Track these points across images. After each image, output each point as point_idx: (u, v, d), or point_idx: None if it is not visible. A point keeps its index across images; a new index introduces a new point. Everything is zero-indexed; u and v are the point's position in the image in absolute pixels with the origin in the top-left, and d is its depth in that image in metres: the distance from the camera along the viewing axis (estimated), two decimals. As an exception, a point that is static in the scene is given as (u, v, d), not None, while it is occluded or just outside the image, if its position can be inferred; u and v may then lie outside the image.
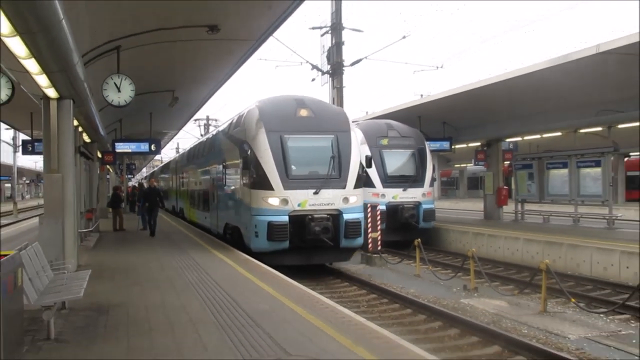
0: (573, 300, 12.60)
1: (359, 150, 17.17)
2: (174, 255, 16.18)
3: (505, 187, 29.28)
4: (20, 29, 6.94)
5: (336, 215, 16.04)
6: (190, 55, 15.77)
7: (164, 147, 48.72)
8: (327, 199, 15.96)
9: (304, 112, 16.91)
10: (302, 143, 16.58)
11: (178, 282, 11.83)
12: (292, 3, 11.40)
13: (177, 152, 52.39)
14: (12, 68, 9.43)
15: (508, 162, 30.86)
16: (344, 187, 16.27)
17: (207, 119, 52.51)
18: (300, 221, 15.68)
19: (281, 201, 15.62)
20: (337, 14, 20.94)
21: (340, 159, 16.42)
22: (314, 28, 22.52)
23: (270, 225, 15.40)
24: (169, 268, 13.84)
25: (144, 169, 76.82)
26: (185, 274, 12.78)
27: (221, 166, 20.42)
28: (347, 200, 16.22)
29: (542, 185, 25.83)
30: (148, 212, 22.15)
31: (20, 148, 33.69)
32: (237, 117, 19.54)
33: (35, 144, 24.38)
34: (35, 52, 8.08)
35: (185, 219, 31.85)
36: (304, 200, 15.75)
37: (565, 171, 24.48)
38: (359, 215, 16.61)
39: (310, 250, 16.10)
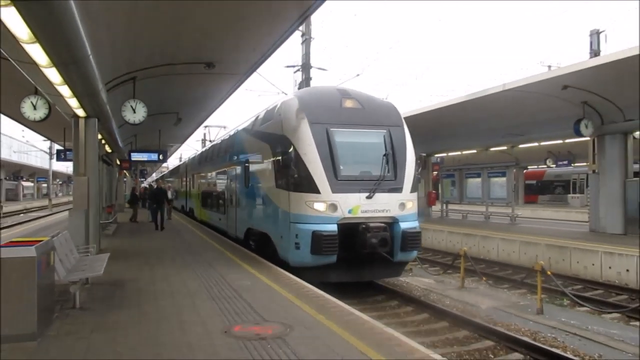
0: (484, 278, 12.82)
1: (413, 148, 12.05)
2: (178, 243, 15.99)
3: (433, 191, 29.63)
4: (56, 61, 6.85)
5: (391, 224, 11.05)
6: (191, 85, 15.61)
7: (169, 156, 48.16)
8: (382, 205, 11.03)
9: (350, 103, 11.89)
10: (352, 138, 11.48)
11: (178, 262, 11.70)
12: (272, 46, 11.41)
13: (180, 160, 51.51)
14: (49, 92, 9.29)
15: (436, 172, 31.20)
16: (400, 191, 11.29)
17: (204, 135, 51.87)
18: (351, 231, 10.76)
19: (329, 206, 10.67)
20: (306, 56, 20.96)
21: (394, 157, 11.47)
22: (288, 66, 22.50)
23: (316, 235, 10.44)
24: (173, 251, 13.67)
25: (154, 174, 75.70)
26: (184, 256, 12.64)
27: (243, 165, 14.71)
28: (403, 207, 11.26)
29: (461, 190, 26.23)
30: (157, 209, 20.48)
31: (55, 156, 33.13)
32: (264, 112, 14.07)
33: (67, 152, 24.03)
34: (68, 80, 7.97)
35: (196, 219, 26.16)
36: (356, 205, 10.84)
37: (479, 179, 24.90)
38: (417, 224, 11.65)
39: (360, 264, 11.11)
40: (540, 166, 41.16)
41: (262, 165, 13.15)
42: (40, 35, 5.79)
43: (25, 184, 79.31)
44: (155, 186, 28.41)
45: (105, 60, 10.01)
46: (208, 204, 22.33)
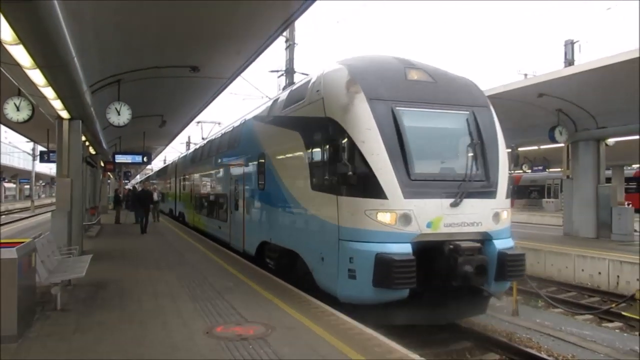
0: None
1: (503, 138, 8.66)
2: (161, 245, 15.84)
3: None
4: (40, 63, 6.76)
5: (482, 242, 7.83)
6: (176, 88, 15.49)
7: (154, 159, 47.82)
8: (471, 216, 7.75)
9: (417, 75, 8.51)
10: (426, 121, 8.22)
11: (162, 263, 11.58)
12: (256, 51, 11.38)
13: (165, 162, 51.06)
14: (33, 94, 9.17)
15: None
16: (494, 196, 8.02)
17: (189, 139, 51.63)
18: (431, 253, 7.54)
19: (400, 218, 7.35)
20: (290, 61, 20.92)
21: (484, 149, 8.19)
22: (272, 71, 22.51)
23: (382, 259, 7.11)
24: (156, 252, 13.54)
25: (138, 176, 75.10)
26: (168, 258, 12.53)
27: (256, 161, 11.62)
28: (497, 218, 7.98)
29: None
30: (141, 211, 19.67)
31: (38, 157, 32.69)
32: (288, 93, 10.61)
33: (51, 154, 23.63)
34: (52, 82, 7.88)
35: (188, 225, 23.17)
36: (437, 217, 7.53)
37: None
38: (513, 242, 8.35)
39: (436, 299, 7.73)
40: (516, 171, 41.65)
41: (287, 159, 10.01)
42: (24, 37, 5.72)
43: (7, 185, 78.09)
44: (139, 188, 28.10)
45: (91, 62, 9.90)
46: (204, 209, 19.03)
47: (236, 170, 13.91)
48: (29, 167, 59.64)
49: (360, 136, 7.57)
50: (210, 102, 18.51)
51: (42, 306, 7.26)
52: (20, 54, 6.27)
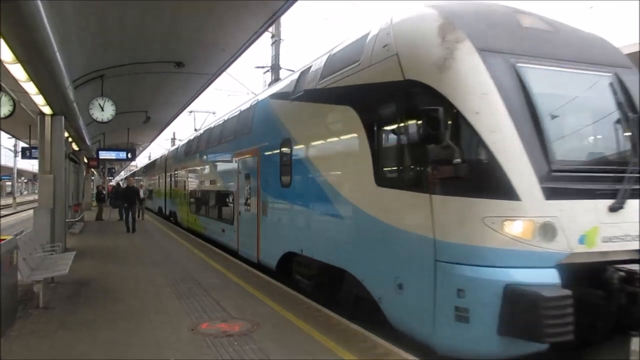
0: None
1: None
2: (146, 242, 15.73)
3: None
4: (21, 58, 6.66)
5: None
6: (160, 84, 15.39)
7: (138, 155, 47.49)
8: (634, 224, 5.02)
9: (532, 21, 5.89)
10: (560, 85, 5.51)
11: (147, 260, 11.50)
12: (241, 47, 11.36)
13: (150, 159, 50.35)
14: (14, 89, 9.04)
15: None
16: None
17: (174, 135, 51.27)
18: (586, 283, 4.95)
19: (540, 229, 4.70)
20: (276, 57, 20.82)
21: None
22: (258, 67, 22.35)
23: (519, 295, 4.50)
24: (141, 249, 13.44)
25: (122, 172, 74.51)
26: (153, 255, 12.45)
27: (278, 149, 9.22)
28: None
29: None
30: (126, 210, 18.75)
31: (20, 153, 32.29)
32: (326, 58, 7.86)
33: (33, 150, 23.41)
34: (33, 77, 7.76)
35: (180, 225, 20.57)
36: (593, 227, 4.86)
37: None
38: None
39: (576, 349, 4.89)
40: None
41: (330, 145, 7.38)
42: (5, 31, 5.63)
43: (-12, 182, 77.02)
44: (124, 184, 27.84)
45: (73, 57, 9.79)
46: (202, 208, 16.67)
47: (246, 162, 11.39)
48: (10, 163, 58.89)
49: (473, 104, 4.98)
50: (195, 98, 18.45)
51: (25, 304, 7.17)
52: (1, 48, 6.17)
